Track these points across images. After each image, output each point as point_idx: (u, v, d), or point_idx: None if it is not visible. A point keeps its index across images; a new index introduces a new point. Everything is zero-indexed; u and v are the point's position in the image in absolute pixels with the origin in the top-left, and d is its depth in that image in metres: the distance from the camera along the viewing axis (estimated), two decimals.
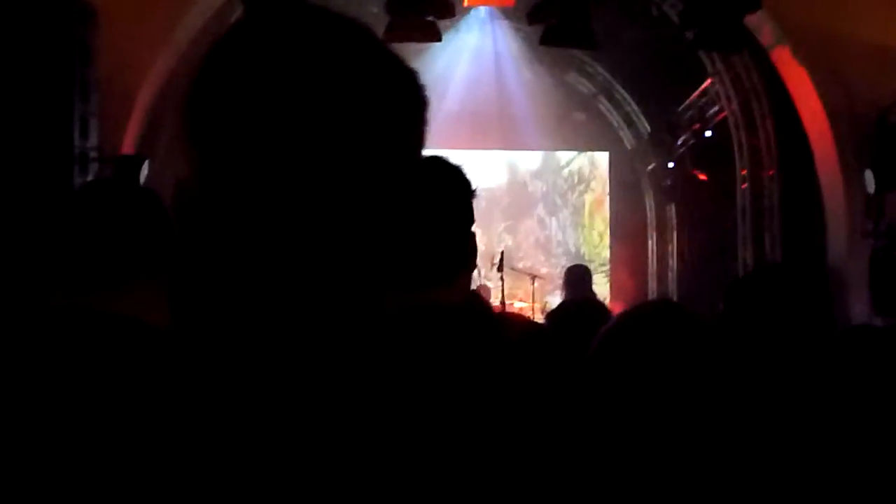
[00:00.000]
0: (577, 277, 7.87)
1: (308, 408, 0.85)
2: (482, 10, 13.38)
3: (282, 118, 0.86)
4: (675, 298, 14.70)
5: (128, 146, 9.20)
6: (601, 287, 15.33)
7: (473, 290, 1.98)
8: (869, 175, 8.34)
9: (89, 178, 7.79)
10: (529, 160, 16.17)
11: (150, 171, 8.65)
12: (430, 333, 1.00)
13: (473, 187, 1.90)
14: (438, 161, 1.87)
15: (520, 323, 2.16)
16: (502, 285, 10.30)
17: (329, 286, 0.89)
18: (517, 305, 12.30)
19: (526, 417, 0.96)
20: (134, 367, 0.88)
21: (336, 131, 0.87)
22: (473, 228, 1.89)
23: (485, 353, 1.49)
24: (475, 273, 2.01)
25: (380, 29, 9.63)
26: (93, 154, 7.95)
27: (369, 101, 0.90)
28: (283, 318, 0.88)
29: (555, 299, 11.69)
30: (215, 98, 0.90)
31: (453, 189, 1.88)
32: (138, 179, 8.40)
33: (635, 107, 15.13)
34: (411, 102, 0.95)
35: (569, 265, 9.00)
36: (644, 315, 2.11)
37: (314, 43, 0.90)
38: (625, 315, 2.14)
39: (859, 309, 8.26)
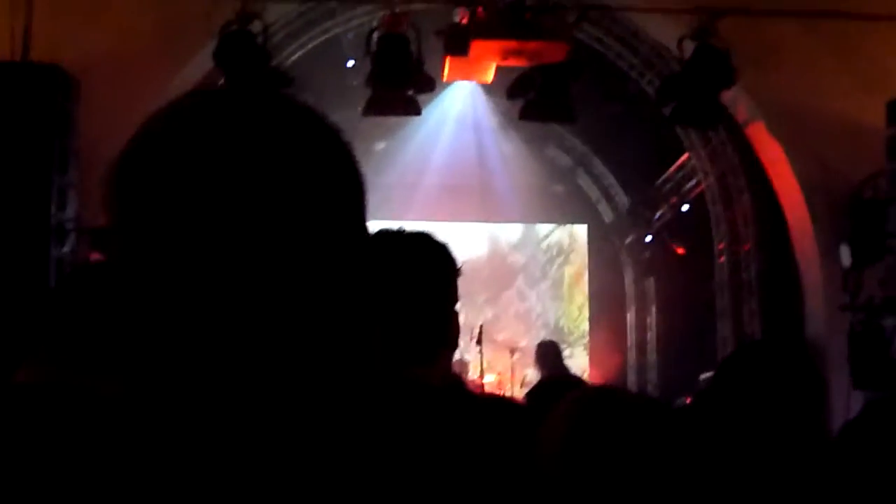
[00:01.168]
0: (547, 353, 7.88)
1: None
2: (462, 84, 13.52)
3: (212, 195, 0.83)
4: (654, 370, 14.68)
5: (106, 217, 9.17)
6: (580, 360, 15.29)
7: (451, 369, 1.94)
8: (845, 249, 8.40)
9: (65, 249, 7.75)
10: (509, 232, 16.22)
11: None
12: (402, 414, 0.98)
13: (458, 265, 1.88)
14: (424, 238, 1.85)
15: (495, 402, 2.12)
16: (481, 359, 10.26)
17: (266, 365, 0.84)
18: (487, 379, 12.19)
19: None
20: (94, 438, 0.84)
21: (267, 208, 0.83)
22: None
23: (452, 433, 1.47)
24: None
25: (360, 102, 9.72)
26: (70, 226, 7.92)
27: (303, 178, 0.86)
28: (218, 397, 0.83)
29: (533, 372, 11.64)
30: (145, 172, 0.87)
31: (437, 266, 1.85)
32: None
33: (613, 180, 15.26)
34: (347, 177, 0.91)
35: (539, 341, 9.00)
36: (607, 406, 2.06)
37: (248, 122, 0.87)
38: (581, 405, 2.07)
39: (838, 383, 8.27)
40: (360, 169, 0.93)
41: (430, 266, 1.82)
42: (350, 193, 0.91)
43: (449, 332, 1.83)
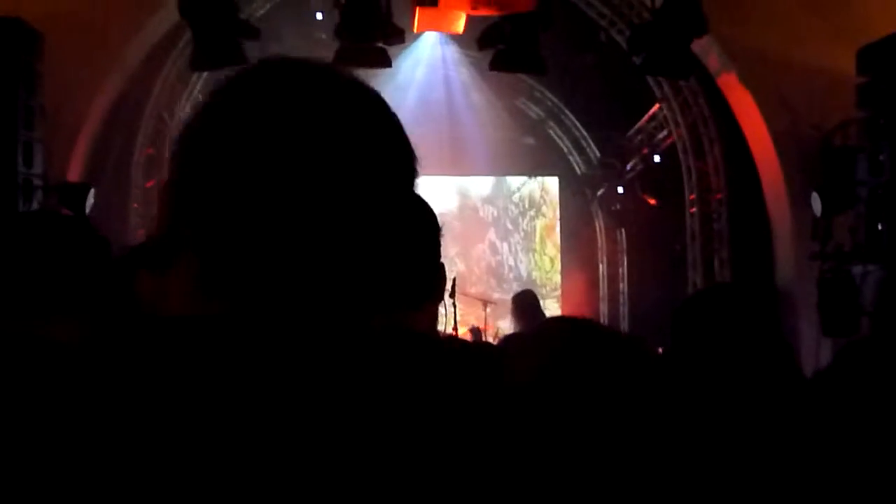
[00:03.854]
0: (526, 304, 7.86)
1: (284, 412, 0.89)
2: (432, 36, 13.41)
3: (275, 165, 0.94)
4: (626, 321, 14.78)
5: (73, 173, 9.08)
6: (553, 311, 15.35)
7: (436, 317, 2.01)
8: (815, 198, 8.44)
9: (34, 205, 7.66)
10: (480, 185, 16.20)
11: (95, 198, 8.52)
12: (393, 354, 1.03)
13: (440, 224, 1.97)
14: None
15: (472, 347, 2.17)
16: (455, 311, 10.27)
17: (311, 308, 0.96)
18: (460, 332, 12.25)
19: (469, 442, 0.98)
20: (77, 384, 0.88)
21: (325, 176, 0.95)
22: None
23: (431, 374, 1.48)
24: None
25: (329, 54, 9.62)
26: (37, 182, 7.82)
27: (358, 150, 0.99)
28: (267, 335, 0.94)
29: (507, 324, 11.68)
30: (211, 143, 0.96)
31: (422, 222, 1.92)
32: (84, 207, 8.28)
33: (584, 132, 15.24)
34: (398, 150, 1.05)
35: (516, 292, 9.00)
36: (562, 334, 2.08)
37: (307, 97, 0.98)
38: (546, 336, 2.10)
39: (808, 330, 8.35)
40: (406, 137, 1.07)
41: (415, 220, 1.90)
42: (395, 160, 1.04)
43: (436, 283, 1.91)
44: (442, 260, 1.96)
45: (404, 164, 1.05)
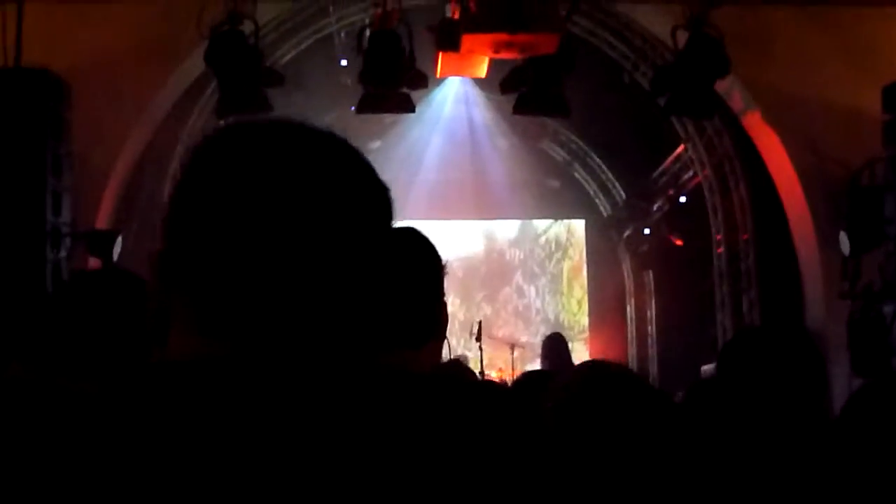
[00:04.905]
0: (554, 347, 7.86)
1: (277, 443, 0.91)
2: (455, 80, 13.49)
3: (256, 219, 0.99)
4: (654, 362, 14.67)
5: (102, 221, 9.15)
6: (580, 354, 15.26)
7: (455, 359, 2.01)
8: (843, 237, 8.37)
9: (62, 253, 7.72)
10: (506, 229, 16.20)
11: (122, 246, 8.58)
12: (384, 396, 1.04)
13: (444, 260, 1.95)
14: (410, 233, 1.92)
15: (479, 386, 2.17)
16: (481, 355, 10.23)
17: (301, 347, 1.00)
18: (494, 374, 12.21)
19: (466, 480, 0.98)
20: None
21: (307, 226, 1.00)
22: (452, 298, 1.92)
23: (433, 415, 1.47)
24: (454, 342, 2.03)
25: (353, 100, 9.68)
26: (65, 229, 7.89)
27: (337, 200, 1.03)
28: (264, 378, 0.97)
29: (535, 367, 11.62)
30: (203, 196, 1.02)
31: (423, 260, 1.92)
32: (111, 254, 8.34)
33: (610, 174, 15.24)
34: (374, 194, 1.09)
35: (547, 335, 9.00)
36: (600, 379, 2.08)
37: (287, 153, 1.03)
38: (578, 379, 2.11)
39: (839, 370, 8.25)
40: (381, 183, 1.10)
41: (414, 259, 1.90)
42: (373, 205, 1.08)
43: (436, 321, 1.91)
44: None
45: (379, 204, 1.09)
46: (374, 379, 1.04)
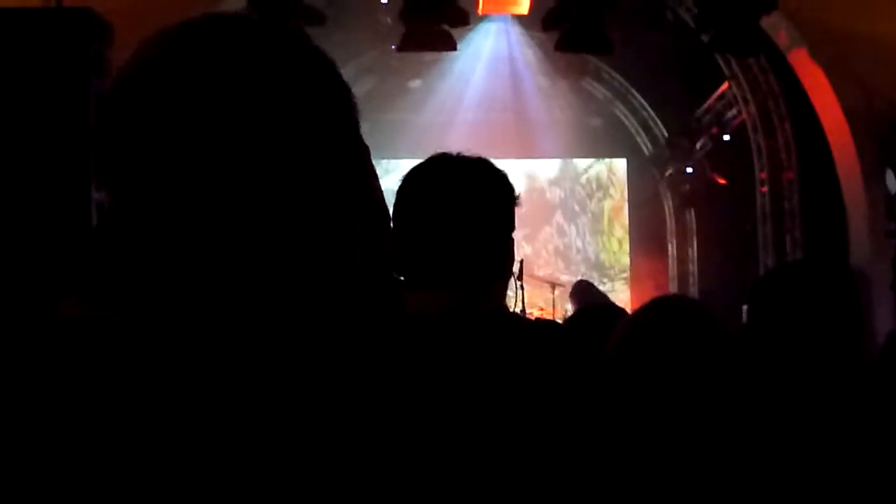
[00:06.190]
0: (582, 290, 7.92)
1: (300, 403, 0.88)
2: (497, 18, 13.36)
3: (196, 130, 0.85)
4: None
5: None
6: (621, 294, 15.26)
7: (504, 296, 1.96)
8: (890, 175, 8.27)
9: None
10: (547, 168, 16.12)
11: None
12: (453, 335, 1.03)
13: (517, 193, 1.88)
14: (484, 164, 1.86)
15: (540, 324, 2.13)
16: (522, 294, 10.26)
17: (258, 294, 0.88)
18: (535, 314, 12.25)
19: (537, 413, 0.99)
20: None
21: (250, 135, 0.86)
22: None
23: (505, 353, 1.48)
24: None
25: (395, 39, 9.64)
26: None
27: (288, 98, 0.89)
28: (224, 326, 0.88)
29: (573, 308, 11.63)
30: (130, 119, 0.88)
31: (497, 193, 1.85)
32: None
33: (652, 112, 15.08)
34: (333, 95, 0.93)
35: (575, 281, 9.08)
36: (661, 314, 2.08)
37: (235, 47, 0.89)
38: (643, 313, 2.12)
39: (882, 309, 8.20)
40: (346, 88, 0.94)
41: (489, 193, 1.83)
42: (336, 113, 0.93)
43: (505, 260, 1.84)
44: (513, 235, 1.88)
45: (342, 117, 0.94)
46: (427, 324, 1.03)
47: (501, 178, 1.87)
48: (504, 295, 1.88)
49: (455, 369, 0.99)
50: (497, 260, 1.81)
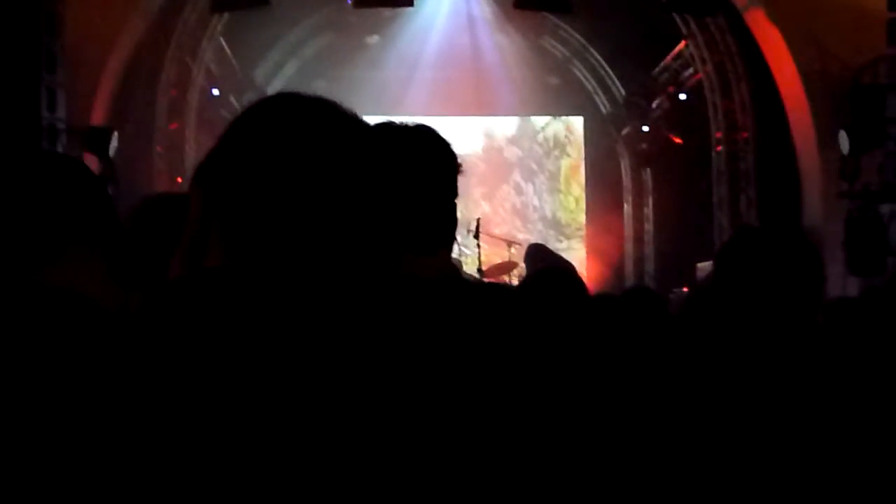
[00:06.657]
0: (535, 252, 7.97)
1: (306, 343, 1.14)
2: None
3: (283, 169, 1.25)
4: (651, 261, 14.75)
5: (97, 117, 9.09)
6: (578, 252, 15.35)
7: (450, 263, 1.92)
8: (843, 136, 8.34)
9: (58, 150, 7.69)
10: (505, 126, 16.10)
11: (119, 142, 8.54)
12: (399, 303, 1.12)
13: (459, 161, 1.86)
14: (426, 132, 1.84)
15: (489, 288, 2.11)
16: (479, 252, 10.28)
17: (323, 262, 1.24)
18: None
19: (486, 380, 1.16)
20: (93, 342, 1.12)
21: (322, 177, 1.26)
22: None
23: (447, 323, 1.47)
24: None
25: None
26: (60, 126, 7.84)
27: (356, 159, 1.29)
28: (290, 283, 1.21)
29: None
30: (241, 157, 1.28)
31: (439, 161, 1.84)
32: (108, 150, 8.30)
33: (610, 71, 15.08)
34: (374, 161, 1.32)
35: (528, 245, 9.16)
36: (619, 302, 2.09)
37: (306, 121, 1.30)
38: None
39: (833, 269, 8.30)
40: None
41: (432, 160, 1.81)
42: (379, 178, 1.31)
43: (448, 226, 1.83)
44: (466, 200, 1.86)
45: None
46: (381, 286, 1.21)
47: (443, 146, 1.85)
48: (448, 259, 1.86)
49: (395, 339, 1.03)
50: (440, 227, 1.80)
